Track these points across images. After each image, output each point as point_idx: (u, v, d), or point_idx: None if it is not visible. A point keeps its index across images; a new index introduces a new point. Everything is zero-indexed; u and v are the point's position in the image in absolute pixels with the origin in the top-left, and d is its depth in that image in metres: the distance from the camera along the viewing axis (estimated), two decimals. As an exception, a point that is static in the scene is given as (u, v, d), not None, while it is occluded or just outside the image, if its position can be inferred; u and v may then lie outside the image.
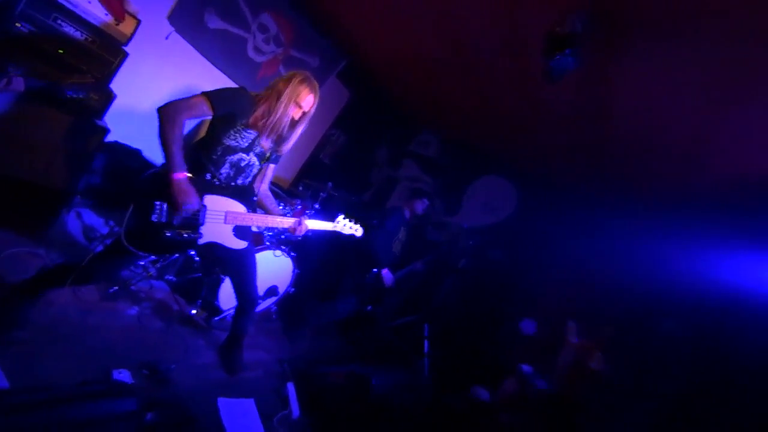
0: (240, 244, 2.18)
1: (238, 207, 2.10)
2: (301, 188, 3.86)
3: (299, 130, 2.18)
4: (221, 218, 2.05)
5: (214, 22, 3.65)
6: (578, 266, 4.00)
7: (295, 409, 2.59)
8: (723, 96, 1.85)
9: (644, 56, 1.93)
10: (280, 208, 2.36)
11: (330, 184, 3.65)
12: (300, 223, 2.29)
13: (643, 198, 3.34)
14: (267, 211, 2.37)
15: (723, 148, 2.20)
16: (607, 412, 2.93)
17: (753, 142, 2.01)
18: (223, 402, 2.37)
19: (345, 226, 2.60)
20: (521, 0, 2.18)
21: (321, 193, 3.59)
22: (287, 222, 2.28)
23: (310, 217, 2.40)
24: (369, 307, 3.76)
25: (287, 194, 3.96)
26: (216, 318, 3.01)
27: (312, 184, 3.89)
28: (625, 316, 3.30)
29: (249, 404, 2.48)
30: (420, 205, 3.96)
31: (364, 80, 5.07)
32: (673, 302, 3.05)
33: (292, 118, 2.11)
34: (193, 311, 2.96)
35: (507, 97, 3.31)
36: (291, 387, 2.70)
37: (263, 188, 2.37)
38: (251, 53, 3.98)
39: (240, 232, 2.16)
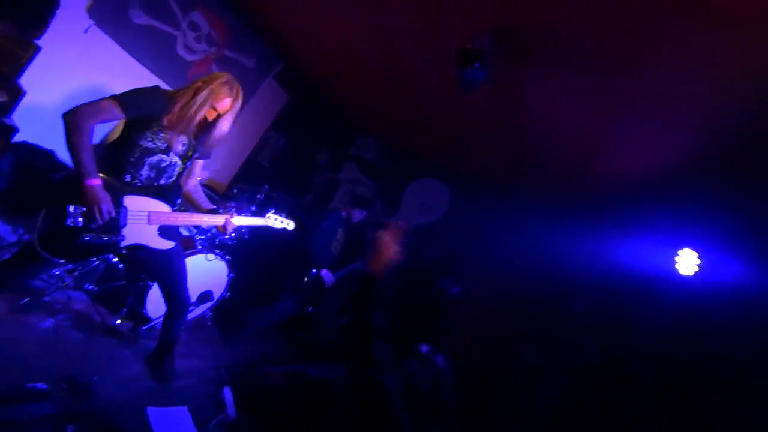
0: (166, 245, 2.14)
1: (161, 207, 2.06)
2: (236, 191, 3.80)
3: (222, 130, 2.15)
4: (144, 219, 2.00)
5: (140, 18, 3.49)
6: (500, 258, 4.39)
7: (232, 412, 2.56)
8: (603, 108, 2.20)
9: (541, 72, 2.22)
10: (219, 210, 2.34)
11: (266, 186, 3.64)
12: (228, 221, 2.26)
13: (549, 196, 3.77)
14: (196, 207, 2.32)
15: (606, 152, 2.59)
16: (524, 386, 3.27)
17: (628, 149, 2.40)
18: (153, 411, 2.29)
19: (276, 220, 2.63)
20: (442, 16, 2.39)
21: (257, 196, 3.58)
22: (215, 220, 2.25)
23: (239, 213, 2.40)
24: (310, 309, 3.79)
25: (222, 198, 3.88)
26: (144, 327, 2.88)
27: (247, 187, 3.85)
28: (540, 300, 3.70)
29: (182, 412, 2.41)
30: (357, 215, 4.09)
31: (303, 83, 5.10)
32: (578, 287, 3.49)
33: (205, 119, 2.06)
34: (118, 321, 2.81)
35: (434, 105, 3.56)
36: (227, 391, 2.67)
37: (191, 183, 2.33)
38: (181, 51, 3.85)
39: (166, 232, 2.12)
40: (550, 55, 2.11)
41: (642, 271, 3.16)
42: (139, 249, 2.06)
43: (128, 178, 1.94)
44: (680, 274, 2.80)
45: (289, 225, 2.70)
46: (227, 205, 3.26)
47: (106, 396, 2.23)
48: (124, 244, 1.95)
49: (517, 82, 2.47)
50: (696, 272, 2.74)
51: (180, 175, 2.18)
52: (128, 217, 1.94)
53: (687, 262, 2.79)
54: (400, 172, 5.70)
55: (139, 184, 1.97)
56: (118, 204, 1.90)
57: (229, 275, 3.28)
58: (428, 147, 4.97)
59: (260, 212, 2.72)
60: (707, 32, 1.66)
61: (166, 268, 2.25)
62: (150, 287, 2.84)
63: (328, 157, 6.16)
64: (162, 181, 2.07)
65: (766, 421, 2.70)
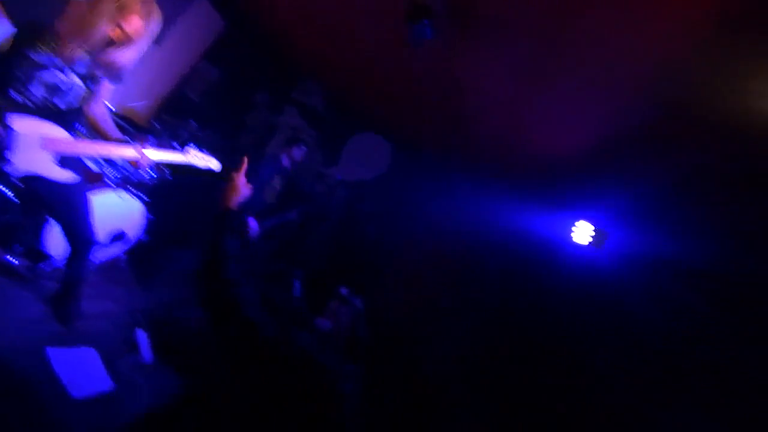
0: (65, 176, 1.91)
1: (57, 132, 1.81)
2: (157, 125, 3.44)
3: (126, 58, 1.88)
4: (36, 144, 1.75)
5: None
6: (429, 217, 4.61)
7: (147, 354, 2.51)
8: (531, 83, 2.30)
9: (482, 38, 2.24)
10: (130, 141, 2.09)
11: (192, 122, 3.34)
12: (141, 154, 2.01)
13: (478, 163, 3.97)
14: (102, 136, 2.04)
15: (528, 127, 2.76)
16: (441, 329, 3.65)
17: (547, 126, 2.57)
18: (54, 352, 2.16)
19: (196, 156, 2.44)
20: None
21: (182, 133, 3.28)
22: (125, 151, 2.00)
23: (159, 148, 2.17)
24: (236, 254, 3.70)
25: (139, 131, 3.50)
26: (43, 265, 2.63)
27: (171, 121, 3.50)
28: (460, 257, 4.04)
29: (88, 353, 2.31)
30: (298, 152, 3.92)
31: (243, 8, 4.59)
32: (494, 247, 3.86)
33: (109, 38, 1.78)
34: (11, 258, 2.53)
35: (381, 59, 3.45)
36: (141, 333, 2.59)
37: (98, 109, 2.04)
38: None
39: (65, 162, 1.89)
40: (491, 23, 2.12)
41: (547, 237, 3.56)
42: (32, 180, 1.83)
43: (16, 96, 1.67)
44: (576, 243, 3.25)
45: (213, 163, 2.53)
46: (144, 138, 2.97)
47: (3, 338, 2.05)
48: (12, 171, 1.71)
49: (461, 46, 2.46)
50: (589, 242, 3.17)
51: (83, 99, 1.91)
52: (16, 140, 1.69)
53: (582, 232, 3.21)
54: (342, 124, 5.54)
55: (31, 106, 1.71)
56: (3, 124, 1.64)
57: (147, 216, 3.06)
58: (372, 102, 4.86)
59: (181, 149, 2.50)
60: (630, 25, 1.76)
61: (64, 202, 2.03)
62: (48, 221, 2.57)
63: (267, 98, 5.77)
64: (61, 106, 1.80)
65: (636, 369, 3.29)
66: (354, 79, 4.56)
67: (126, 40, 1.82)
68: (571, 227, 3.25)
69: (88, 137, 2.07)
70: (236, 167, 1.49)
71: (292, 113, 5.77)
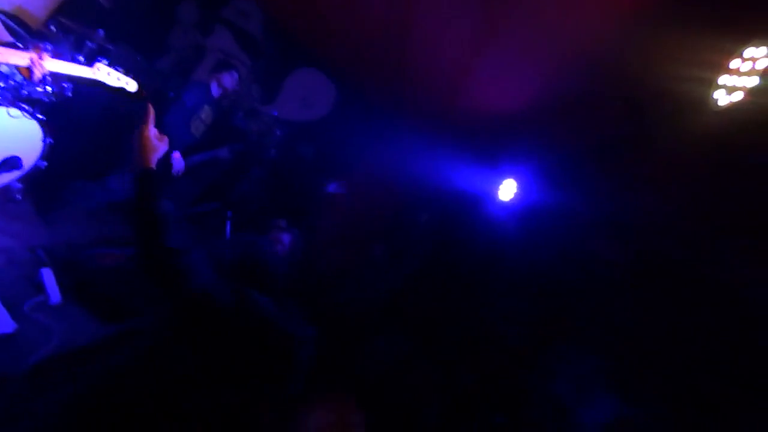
0: None
1: None
2: (53, 28, 2.86)
3: None
4: None
5: None
6: (367, 164, 4.62)
7: (54, 294, 2.30)
8: (477, 37, 2.30)
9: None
10: (19, 47, 1.72)
11: (101, 31, 2.83)
12: (35, 62, 1.68)
13: (420, 112, 4.00)
14: None
15: (470, 81, 2.81)
16: (371, 277, 3.85)
17: (487, 82, 2.64)
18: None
19: (110, 75, 2.12)
20: None
21: (87, 43, 2.77)
22: (14, 57, 1.66)
23: (60, 58, 1.84)
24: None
25: (33, 36, 2.90)
26: None
27: (73, 27, 2.92)
28: (394, 206, 4.20)
29: (-19, 293, 2.06)
30: (228, 79, 3.53)
31: None
32: (426, 199, 4.06)
33: None
34: None
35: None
36: (47, 271, 2.35)
37: None
38: None
39: None
40: None
41: (475, 193, 3.82)
42: None
43: None
44: (500, 199, 3.55)
45: (130, 84, 2.21)
46: (39, 46, 2.48)
47: None
48: None
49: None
50: (511, 198, 3.50)
51: None
52: None
53: (507, 189, 3.50)
54: (283, 57, 5.08)
55: None
56: None
57: (45, 140, 2.64)
58: (317, 35, 4.49)
59: (88, 63, 2.14)
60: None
61: None
62: None
63: (195, 13, 5.04)
64: None
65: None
66: (298, 6, 4.15)
67: None
68: (498, 183, 3.51)
69: None
70: (142, 115, 1.31)
71: (223, 35, 5.13)
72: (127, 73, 2.20)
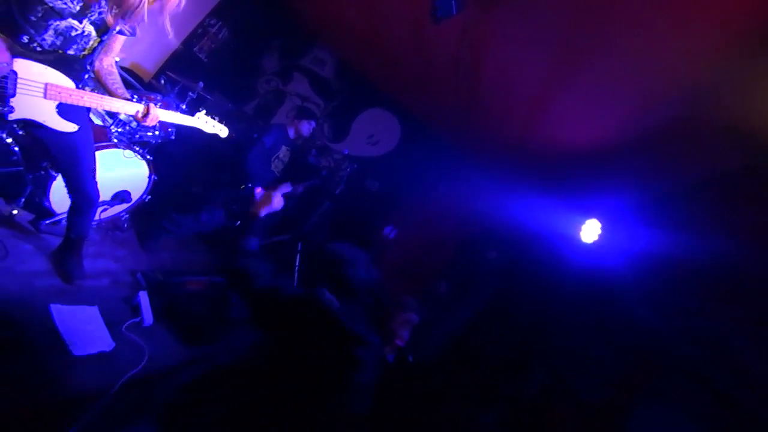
0: (67, 127, 1.85)
1: (62, 80, 1.74)
2: (163, 81, 3.32)
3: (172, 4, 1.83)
4: (39, 90, 1.69)
5: None
6: (435, 200, 4.58)
7: (147, 316, 2.51)
8: (556, 70, 2.21)
9: (509, 19, 2.13)
10: (134, 99, 2.02)
11: (201, 83, 3.23)
12: (148, 112, 1.97)
13: (491, 148, 3.90)
14: (107, 91, 1.99)
15: (548, 116, 2.68)
16: (433, 316, 3.70)
17: (567, 116, 2.50)
18: (57, 309, 2.16)
19: (207, 122, 2.39)
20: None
21: (189, 93, 3.18)
22: (130, 107, 1.95)
23: (163, 108, 2.12)
24: (237, 223, 3.66)
25: (146, 88, 3.39)
26: (46, 221, 2.59)
27: (178, 79, 3.38)
28: (462, 243, 4.05)
29: (91, 311, 2.31)
30: (307, 127, 3.81)
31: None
32: (498, 236, 3.86)
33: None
34: (14, 211, 2.49)
35: (399, 32, 3.31)
36: (143, 294, 2.59)
37: (107, 61, 1.98)
38: None
39: (67, 112, 1.83)
40: (518, 3, 2.01)
41: (552, 232, 3.56)
42: (34, 127, 1.78)
43: (25, 38, 1.60)
44: (582, 241, 3.25)
45: (222, 131, 2.47)
46: (151, 96, 2.88)
47: (3, 289, 2.04)
48: (12, 117, 1.65)
49: (485, 25, 2.35)
50: (595, 241, 3.17)
51: (93, 49, 1.83)
52: (18, 84, 1.62)
53: (590, 230, 3.18)
54: (353, 98, 5.39)
55: (38, 49, 1.64)
56: (8, 62, 1.58)
57: (150, 177, 3.00)
58: (385, 77, 4.71)
59: (190, 112, 2.43)
60: (667, 18, 1.68)
61: (68, 155, 1.98)
62: (53, 178, 2.51)
63: (277, 63, 5.58)
64: (69, 52, 1.73)
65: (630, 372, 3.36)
66: (368, 51, 4.40)
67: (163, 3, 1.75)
68: (579, 223, 3.21)
69: (93, 89, 2.00)
70: (274, 184, 1.72)
71: (301, 81, 5.60)
72: (221, 121, 2.47)
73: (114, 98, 1.92)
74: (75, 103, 1.78)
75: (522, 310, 3.79)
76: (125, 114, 2.40)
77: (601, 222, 3.10)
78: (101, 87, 2.03)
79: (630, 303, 3.26)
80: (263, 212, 1.63)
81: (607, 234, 3.09)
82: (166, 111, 2.13)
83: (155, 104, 2.08)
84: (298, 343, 1.36)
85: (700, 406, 3.21)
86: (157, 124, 2.92)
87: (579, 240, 3.22)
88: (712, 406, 3.10)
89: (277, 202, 1.67)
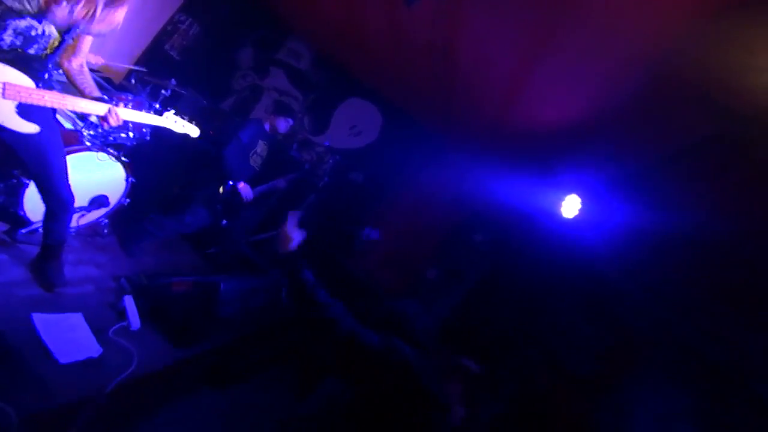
0: (28, 128, 1.80)
1: (22, 79, 1.69)
2: (133, 81, 3.24)
3: (124, 9, 1.81)
4: None
5: None
6: (418, 187, 4.61)
7: (134, 320, 2.48)
8: (530, 50, 2.22)
9: (478, 3, 2.12)
10: (105, 98, 1.97)
11: (173, 81, 3.16)
12: (111, 111, 1.92)
13: (471, 132, 3.92)
14: (78, 91, 1.96)
15: (524, 96, 2.70)
16: (425, 301, 3.75)
17: (544, 95, 2.52)
18: (39, 318, 2.12)
19: (176, 122, 2.35)
20: None
21: (162, 91, 3.10)
22: (93, 107, 1.90)
23: (134, 107, 2.09)
24: (224, 222, 3.62)
25: (117, 88, 3.31)
26: (22, 230, 2.53)
27: (149, 78, 3.30)
28: (448, 228, 4.09)
29: (75, 318, 2.27)
30: (283, 124, 3.76)
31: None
32: (481, 219, 3.92)
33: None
34: (-13, 222, 2.42)
35: (373, 19, 3.28)
36: (128, 299, 2.55)
37: (76, 62, 1.95)
38: None
39: (28, 112, 1.78)
40: None
41: (535, 210, 3.61)
42: None
43: None
44: (564, 216, 3.30)
45: (193, 131, 2.43)
46: (122, 97, 2.80)
47: (-21, 302, 2.00)
48: None
49: (458, 7, 2.34)
50: (575, 216, 3.23)
51: (54, 48, 1.78)
52: None
53: (570, 206, 3.24)
54: (332, 89, 5.34)
55: None
56: None
57: (128, 179, 2.95)
58: (363, 66, 4.67)
59: (164, 111, 2.39)
60: None
61: (35, 158, 1.93)
62: (26, 185, 2.45)
63: (251, 58, 5.49)
64: (28, 51, 1.68)
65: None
66: (343, 40, 4.35)
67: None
68: (559, 199, 3.27)
69: (55, 88, 1.94)
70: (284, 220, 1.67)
71: (278, 75, 5.52)
72: (191, 120, 2.43)
73: (78, 98, 1.87)
74: (35, 102, 1.73)
75: (510, 289, 3.86)
76: (95, 116, 2.34)
77: (581, 197, 3.17)
78: (72, 87, 1.99)
79: (611, 276, 3.35)
80: (294, 246, 1.61)
81: (587, 209, 3.16)
82: (132, 111, 2.09)
83: (125, 105, 2.04)
84: (379, 398, 1.36)
85: (681, 372, 3.34)
86: (130, 125, 2.87)
87: (560, 216, 3.28)
88: (693, 371, 3.22)
89: (297, 233, 1.64)
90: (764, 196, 2.09)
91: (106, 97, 1.98)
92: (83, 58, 1.97)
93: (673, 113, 2.14)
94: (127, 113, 2.02)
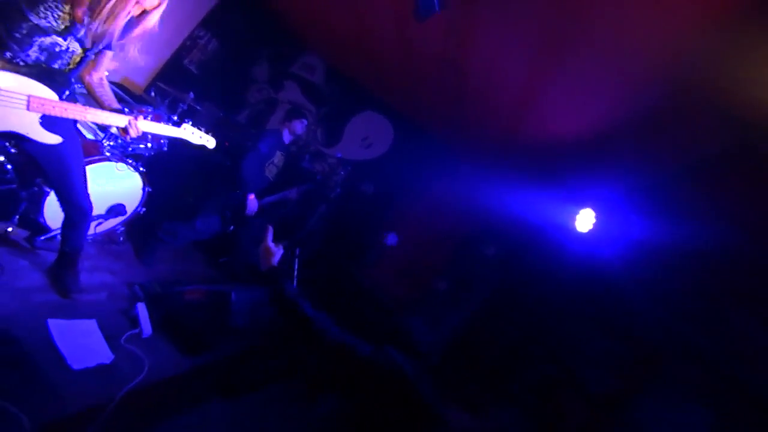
0: (51, 139, 1.86)
1: (45, 92, 1.76)
2: (153, 94, 3.34)
3: (148, 27, 1.90)
4: (22, 103, 1.70)
5: None
6: (429, 199, 4.60)
7: (146, 328, 2.51)
8: (542, 62, 2.22)
9: (493, 14, 2.14)
10: (126, 111, 2.04)
11: (191, 94, 3.24)
12: (131, 123, 1.98)
13: (483, 144, 3.91)
14: (98, 104, 2.03)
15: (537, 108, 2.69)
16: (434, 314, 3.68)
17: (556, 107, 2.50)
18: (54, 323, 2.15)
19: (193, 134, 2.40)
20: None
21: (180, 104, 3.19)
22: (114, 119, 1.96)
23: (153, 120, 2.15)
24: (231, 228, 3.65)
25: (137, 101, 3.41)
26: (41, 237, 2.59)
27: (169, 91, 3.40)
28: (459, 241, 4.05)
29: (89, 325, 2.30)
30: (299, 125, 3.80)
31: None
32: (493, 232, 3.88)
33: (130, 15, 1.81)
34: (9, 228, 2.49)
35: (384, 33, 3.33)
36: (141, 306, 2.58)
37: (96, 76, 2.02)
38: None
39: (52, 124, 1.84)
40: None
41: (548, 224, 3.56)
42: (20, 140, 1.79)
43: (8, 54, 1.62)
44: (578, 230, 3.24)
45: (209, 142, 2.48)
46: (142, 109, 2.89)
47: (1, 306, 2.04)
48: None
49: (469, 21, 2.37)
50: (590, 230, 3.17)
51: (77, 63, 1.85)
52: (0, 96, 1.64)
53: (585, 220, 3.18)
54: (344, 102, 5.42)
55: (21, 64, 1.65)
56: None
57: (144, 189, 3.01)
58: (375, 79, 4.73)
59: (181, 122, 2.45)
60: (648, 3, 1.69)
61: (56, 168, 1.99)
62: (47, 194, 2.52)
63: (267, 72, 5.62)
64: (52, 65, 1.75)
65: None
66: (355, 54, 4.42)
67: (144, 15, 1.85)
68: (573, 213, 3.22)
69: (78, 101, 2.02)
70: (265, 233, 1.70)
71: (291, 88, 5.63)
72: (208, 132, 2.48)
73: (99, 110, 1.93)
74: (58, 114, 1.79)
75: (523, 304, 3.79)
76: (115, 127, 2.41)
77: (595, 211, 3.12)
78: (93, 100, 2.06)
79: (628, 291, 3.26)
80: (275, 262, 1.64)
81: (601, 223, 3.10)
82: (150, 122, 2.14)
83: (144, 117, 2.10)
84: (377, 409, 1.31)
85: (702, 388, 3.21)
86: (149, 136, 2.95)
87: (574, 230, 3.22)
88: (714, 387, 3.09)
89: (277, 250, 1.68)
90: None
91: (127, 110, 2.04)
92: (103, 72, 2.04)
93: (690, 125, 2.10)
94: (146, 125, 2.08)
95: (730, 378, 3.03)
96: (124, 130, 1.99)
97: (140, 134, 2.03)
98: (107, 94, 2.06)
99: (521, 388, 3.45)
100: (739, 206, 2.22)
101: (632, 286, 3.29)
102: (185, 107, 3.24)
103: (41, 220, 2.57)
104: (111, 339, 2.30)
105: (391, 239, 4.27)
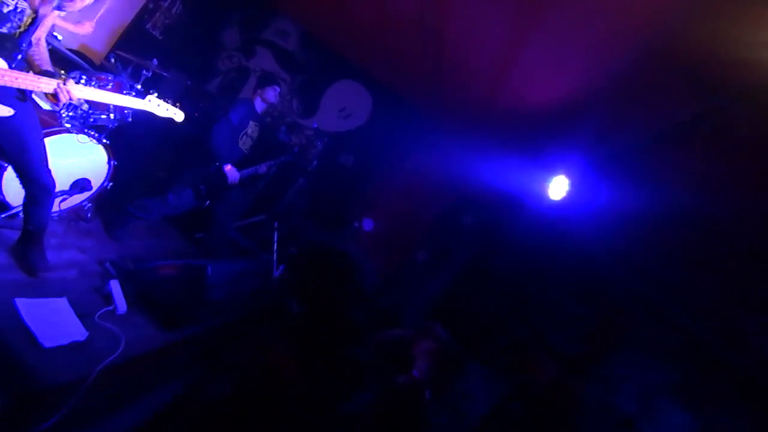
0: (2, 111, 1.74)
1: None
2: (113, 60, 3.13)
3: None
4: None
5: None
6: (408, 169, 4.59)
7: (120, 304, 2.46)
8: (517, 30, 2.18)
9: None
10: (83, 80, 1.90)
11: (155, 61, 3.06)
12: (60, 88, 1.74)
13: (460, 114, 3.90)
14: (31, 66, 1.84)
15: (513, 76, 2.67)
16: (413, 283, 3.77)
17: (531, 76, 2.49)
18: (23, 302, 2.09)
19: (159, 106, 2.28)
20: None
21: (143, 71, 3.01)
22: (41, 83, 1.74)
23: (114, 89, 2.00)
24: (207, 203, 3.55)
25: (96, 69, 3.20)
26: (1, 215, 2.47)
27: (130, 58, 3.19)
28: (437, 211, 4.10)
29: (59, 303, 2.25)
30: (272, 93, 3.62)
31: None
32: (470, 201, 3.94)
33: None
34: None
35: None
36: (114, 283, 2.52)
37: (35, 36, 1.82)
38: None
39: (1, 95, 1.71)
40: None
41: (523, 192, 3.62)
42: None
43: None
44: (551, 198, 3.31)
45: (177, 115, 2.35)
46: (101, 77, 2.72)
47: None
48: None
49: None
50: (563, 197, 3.24)
51: (27, 27, 1.71)
52: None
53: (558, 187, 3.24)
54: (320, 71, 5.22)
55: None
56: None
57: (110, 162, 2.88)
58: (351, 45, 4.56)
59: (145, 92, 2.31)
60: None
61: (12, 142, 1.87)
62: (4, 169, 2.38)
63: (237, 38, 5.33)
64: (2, 30, 1.61)
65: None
66: (331, 19, 4.24)
67: None
68: (546, 181, 3.27)
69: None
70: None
71: (264, 56, 5.38)
72: (176, 104, 2.35)
73: (25, 74, 1.73)
74: (8, 84, 1.66)
75: (499, 271, 3.90)
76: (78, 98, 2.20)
77: (568, 178, 3.18)
78: (27, 63, 1.87)
79: (599, 256, 3.40)
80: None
81: (574, 190, 3.17)
82: (92, 89, 1.98)
83: (104, 86, 1.97)
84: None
85: (669, 348, 3.43)
86: (111, 107, 2.78)
87: (548, 197, 3.28)
88: (679, 347, 3.31)
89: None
90: (754, 173, 2.10)
91: (84, 78, 1.91)
92: (44, 32, 1.87)
93: (662, 90, 2.13)
94: (83, 91, 1.86)
95: (693, 338, 3.23)
96: (54, 96, 1.79)
97: (73, 101, 1.83)
98: (41, 55, 1.88)
99: (495, 350, 3.61)
100: (709, 171, 2.29)
101: (602, 251, 3.42)
102: (149, 75, 3.05)
103: (0, 197, 2.44)
104: (84, 317, 2.25)
105: (367, 224, 4.23)
